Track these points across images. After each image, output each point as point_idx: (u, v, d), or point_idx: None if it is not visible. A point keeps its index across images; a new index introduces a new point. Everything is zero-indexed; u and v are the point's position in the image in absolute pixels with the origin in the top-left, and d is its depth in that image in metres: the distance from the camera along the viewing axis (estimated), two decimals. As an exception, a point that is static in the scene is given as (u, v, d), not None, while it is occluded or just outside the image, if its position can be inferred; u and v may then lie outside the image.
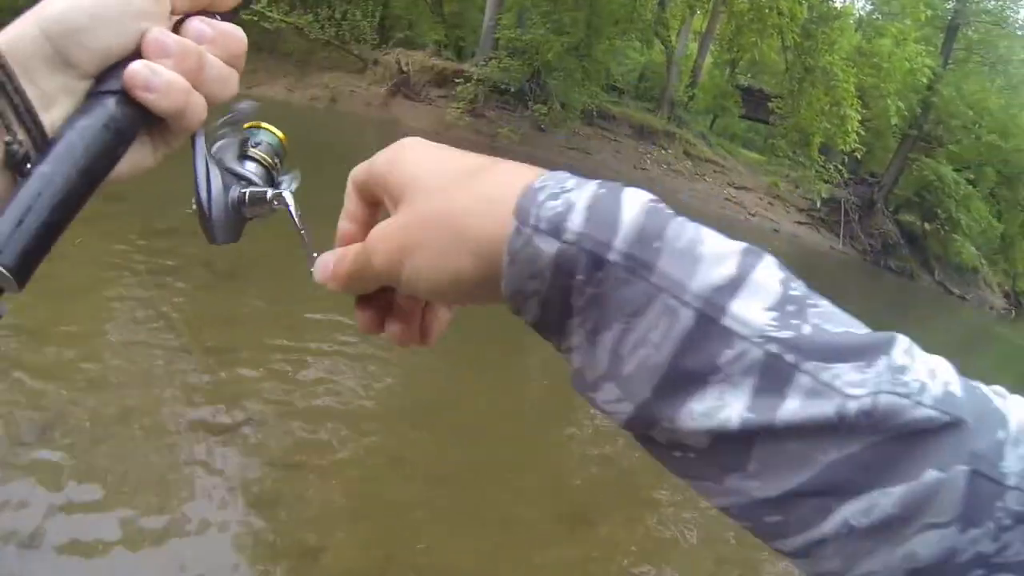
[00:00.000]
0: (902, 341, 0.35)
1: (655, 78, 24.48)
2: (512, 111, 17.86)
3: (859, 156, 16.76)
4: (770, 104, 18.62)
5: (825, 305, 0.36)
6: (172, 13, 0.45)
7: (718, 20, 20.46)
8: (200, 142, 0.48)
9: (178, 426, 3.14)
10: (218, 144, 0.51)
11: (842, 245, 19.66)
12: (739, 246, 0.36)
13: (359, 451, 3.35)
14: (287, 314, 4.47)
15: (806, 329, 0.34)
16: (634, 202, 0.36)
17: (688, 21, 21.17)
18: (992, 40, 22.76)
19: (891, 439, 0.33)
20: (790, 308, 0.35)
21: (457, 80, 17.63)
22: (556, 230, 0.35)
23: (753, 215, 18.47)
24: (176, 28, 0.46)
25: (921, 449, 0.33)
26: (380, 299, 0.48)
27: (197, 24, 0.46)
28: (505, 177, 0.39)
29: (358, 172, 0.46)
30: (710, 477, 0.37)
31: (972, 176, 21.69)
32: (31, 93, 0.40)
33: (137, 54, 0.43)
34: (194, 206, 0.49)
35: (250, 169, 0.51)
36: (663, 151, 18.87)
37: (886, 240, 20.85)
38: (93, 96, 0.42)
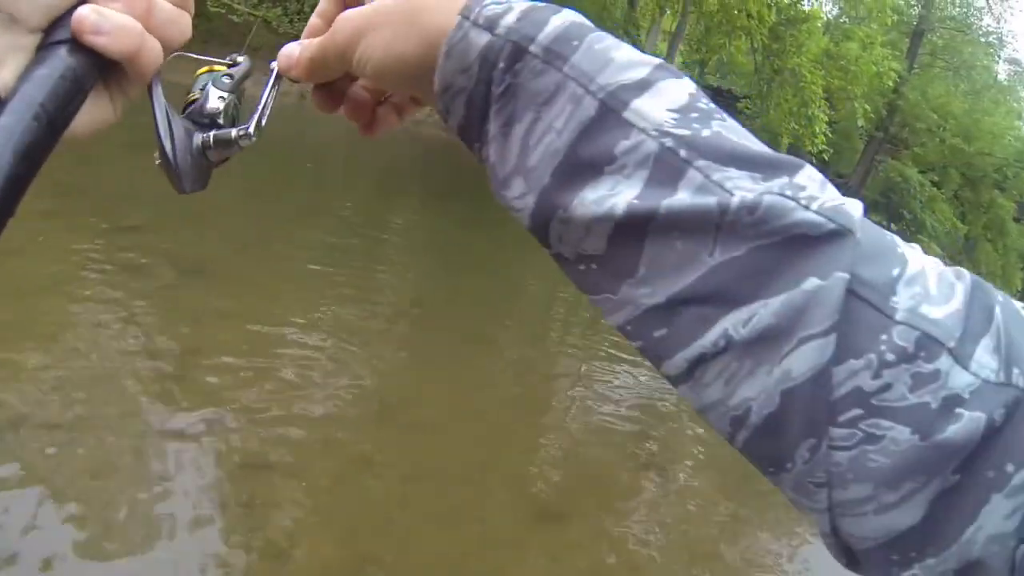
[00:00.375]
0: (811, 170, 0.36)
1: (628, 78, 24.65)
2: (479, 107, 17.87)
3: (826, 157, 16.81)
4: (739, 105, 18.61)
5: (735, 124, 0.37)
6: None
7: (687, 21, 20.58)
8: (158, 90, 0.46)
9: (144, 429, 3.10)
10: (187, 96, 0.51)
11: (809, 245, 19.65)
12: (656, 61, 0.38)
13: (329, 452, 3.34)
14: (254, 313, 4.43)
15: (705, 132, 0.35)
16: (568, 14, 0.39)
17: (658, 21, 21.24)
18: (956, 46, 23.25)
19: (774, 244, 0.33)
20: (693, 115, 0.36)
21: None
22: (491, 25, 0.39)
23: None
24: None
25: (804, 254, 0.33)
26: (337, 87, 0.52)
27: None
28: None
29: None
30: (608, 288, 0.38)
31: (936, 178, 22.10)
32: None
33: (83, 1, 0.42)
34: (157, 158, 0.47)
35: (211, 110, 0.50)
36: (632, 150, 18.92)
37: (852, 241, 20.86)
38: (44, 48, 0.41)
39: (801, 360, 0.32)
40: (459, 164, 15.19)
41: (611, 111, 0.36)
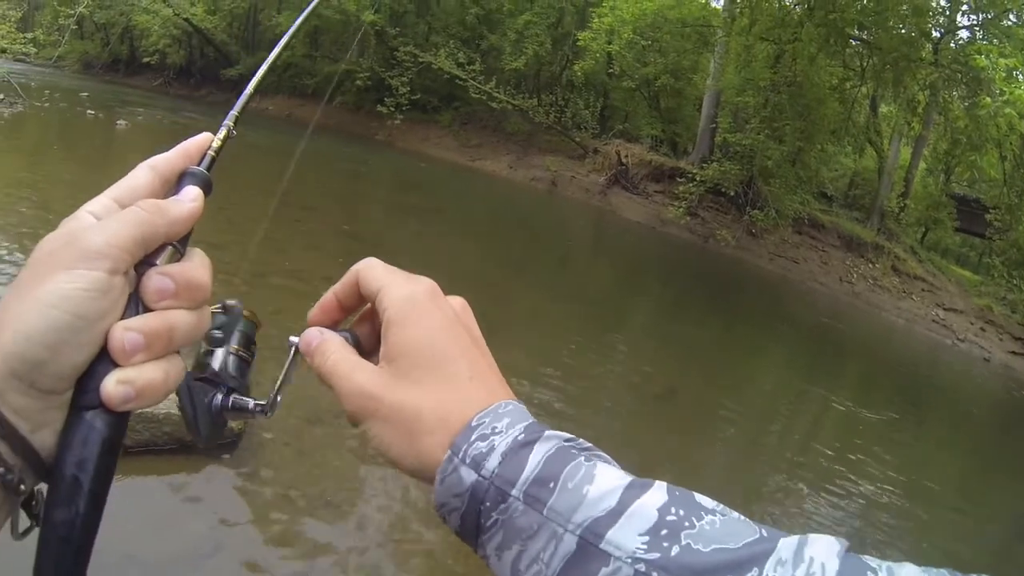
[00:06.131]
0: (783, 547, 0.41)
1: (865, 185, 23.62)
2: (726, 213, 18.00)
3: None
4: (988, 216, 17.32)
5: (706, 524, 0.42)
6: (125, 274, 0.44)
7: (932, 125, 19.30)
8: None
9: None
10: (200, 351, 0.52)
11: (1067, 382, 16.86)
12: (625, 481, 0.45)
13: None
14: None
15: (675, 550, 0.41)
16: (541, 450, 0.46)
17: (901, 129, 20.40)
18: None
19: None
20: (663, 532, 0.42)
21: (679, 179, 17.93)
22: (477, 466, 0.46)
23: (962, 340, 16.71)
24: (138, 271, 0.45)
25: None
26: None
27: (157, 283, 0.45)
28: (468, 396, 0.49)
29: (373, 281, 0.54)
30: None
31: None
32: (15, 420, 0.40)
33: (103, 356, 0.42)
34: (180, 416, 0.51)
35: (230, 371, 0.51)
36: (870, 265, 18.29)
37: (1123, 378, 17.02)
38: (76, 413, 0.42)
39: None
40: (698, 269, 15.31)
41: (589, 544, 0.42)
